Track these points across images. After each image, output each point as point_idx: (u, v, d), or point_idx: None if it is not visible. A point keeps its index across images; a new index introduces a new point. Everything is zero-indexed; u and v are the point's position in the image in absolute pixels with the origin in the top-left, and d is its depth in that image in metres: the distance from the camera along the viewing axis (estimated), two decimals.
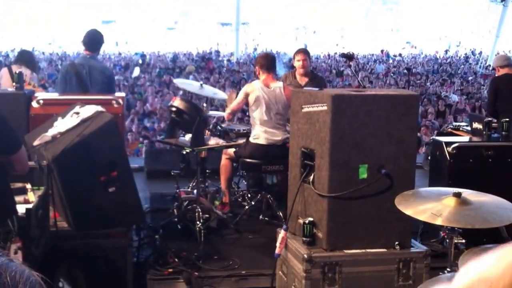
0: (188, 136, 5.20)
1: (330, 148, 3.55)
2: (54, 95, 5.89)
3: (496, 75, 7.20)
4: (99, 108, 4.04)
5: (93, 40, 5.72)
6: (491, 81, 7.62)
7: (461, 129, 5.98)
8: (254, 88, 5.63)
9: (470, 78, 21.68)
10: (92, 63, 5.65)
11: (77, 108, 4.08)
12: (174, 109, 5.13)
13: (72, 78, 5.53)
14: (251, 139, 5.66)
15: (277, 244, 3.86)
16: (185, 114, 5.07)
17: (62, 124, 3.94)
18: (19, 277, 0.81)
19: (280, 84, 5.69)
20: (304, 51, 6.86)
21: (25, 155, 3.36)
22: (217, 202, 5.85)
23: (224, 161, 5.83)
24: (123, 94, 5.83)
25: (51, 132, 3.88)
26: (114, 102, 4.75)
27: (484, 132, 5.25)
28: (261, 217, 5.72)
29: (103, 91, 5.43)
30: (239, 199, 6.21)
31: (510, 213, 2.48)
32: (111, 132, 3.95)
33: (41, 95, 5.04)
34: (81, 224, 3.88)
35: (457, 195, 2.59)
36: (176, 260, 4.60)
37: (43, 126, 4.09)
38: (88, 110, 3.99)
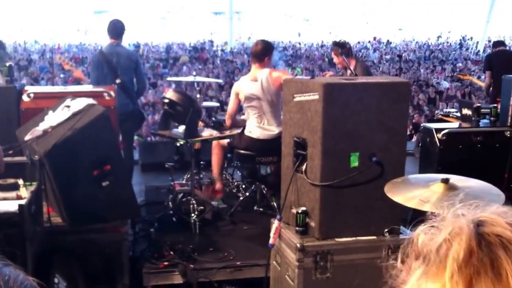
0: (181, 128, 5.20)
1: (322, 137, 3.54)
2: (44, 89, 5.91)
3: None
4: (90, 101, 4.03)
5: (116, 29, 6.20)
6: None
7: (451, 115, 6.01)
8: (242, 86, 5.63)
9: (460, 64, 21.71)
10: (118, 50, 6.13)
11: (68, 101, 4.07)
12: (167, 100, 5.12)
13: (103, 66, 5.99)
14: (246, 132, 5.66)
15: (271, 235, 3.87)
16: (178, 105, 5.07)
17: (53, 118, 3.94)
18: (13, 282, 0.79)
19: (265, 72, 5.51)
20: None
21: (1, 155, 3.34)
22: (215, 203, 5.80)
23: (215, 144, 5.80)
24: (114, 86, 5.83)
25: (42, 126, 3.88)
26: (105, 94, 4.73)
27: (473, 118, 5.28)
28: (255, 208, 5.74)
29: (132, 75, 6.08)
30: (234, 190, 6.23)
31: (497, 198, 2.50)
32: (103, 125, 3.94)
33: (31, 88, 5.02)
34: (75, 219, 3.89)
35: (445, 181, 2.60)
36: (172, 253, 4.62)
37: (34, 120, 4.08)
38: (79, 103, 3.98)
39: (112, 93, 4.70)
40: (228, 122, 5.86)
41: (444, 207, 0.73)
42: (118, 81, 5.91)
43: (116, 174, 3.95)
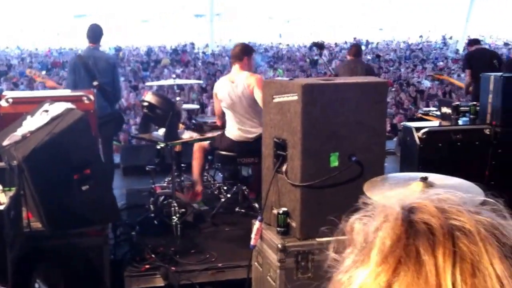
0: (161, 131, 5.18)
1: (302, 137, 3.55)
2: (23, 93, 5.86)
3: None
4: (69, 105, 4.00)
5: (95, 33, 6.32)
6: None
7: (430, 114, 6.06)
8: (220, 87, 5.64)
9: (441, 63, 21.91)
10: (96, 53, 6.24)
11: (46, 106, 4.03)
12: (146, 104, 5.10)
13: (80, 69, 6.04)
14: (226, 133, 5.66)
15: (252, 236, 3.87)
16: (157, 108, 5.05)
17: (31, 123, 3.90)
18: None
19: (243, 75, 5.50)
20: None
21: None
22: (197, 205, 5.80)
23: (196, 146, 5.79)
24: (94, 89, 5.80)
25: (21, 131, 3.84)
26: (85, 98, 4.69)
27: (453, 116, 5.33)
28: (237, 209, 5.74)
29: (110, 78, 6.14)
30: (215, 192, 6.21)
31: (475, 196, 2.52)
32: (82, 129, 3.92)
33: (10, 93, 4.97)
34: (56, 224, 3.85)
35: (424, 179, 2.63)
36: (153, 256, 4.60)
37: (12, 125, 4.04)
38: (58, 108, 3.95)
39: (91, 97, 4.67)
40: (218, 122, 5.89)
41: (379, 195, 0.72)
42: (95, 83, 5.91)
43: (96, 178, 3.92)
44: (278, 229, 3.71)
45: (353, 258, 0.67)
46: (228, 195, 5.83)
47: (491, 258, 0.61)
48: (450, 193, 0.70)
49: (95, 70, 6.04)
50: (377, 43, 30.14)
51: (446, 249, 0.61)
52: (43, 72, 7.39)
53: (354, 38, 31.38)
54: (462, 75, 17.27)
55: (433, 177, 2.71)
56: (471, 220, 0.64)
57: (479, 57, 8.12)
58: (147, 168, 5.85)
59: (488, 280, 0.60)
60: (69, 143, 3.82)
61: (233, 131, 5.59)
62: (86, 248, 4.21)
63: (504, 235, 0.65)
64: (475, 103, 5.39)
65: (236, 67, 5.61)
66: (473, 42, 8.81)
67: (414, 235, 0.63)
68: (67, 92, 5.20)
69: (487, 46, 26.96)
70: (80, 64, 6.05)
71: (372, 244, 0.65)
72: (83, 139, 3.91)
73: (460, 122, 5.35)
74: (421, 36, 33.89)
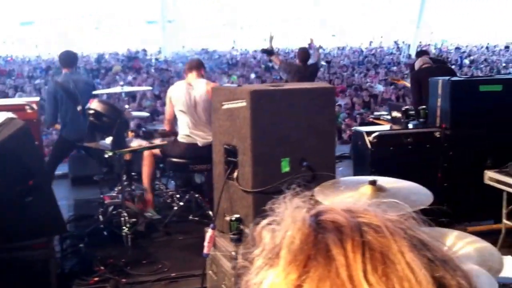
0: (109, 139, 5.06)
1: (251, 143, 3.55)
2: None
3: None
4: (10, 114, 3.85)
5: (70, 58, 6.34)
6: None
7: (381, 118, 6.12)
8: (176, 90, 5.59)
9: (394, 68, 22.30)
10: (74, 77, 6.17)
11: None
12: (92, 112, 4.99)
13: (62, 95, 5.96)
14: (178, 138, 5.60)
15: (205, 244, 3.81)
16: (104, 116, 4.94)
17: None
18: None
19: (203, 82, 5.62)
20: None
21: None
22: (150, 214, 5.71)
23: (146, 154, 5.71)
24: (37, 98, 5.63)
25: None
26: (27, 107, 4.54)
27: (403, 120, 5.39)
28: (191, 217, 5.66)
29: (91, 97, 5.75)
30: (168, 200, 6.11)
31: (424, 198, 2.52)
32: (24, 139, 3.78)
33: None
34: None
35: (373, 183, 2.61)
36: (102, 267, 4.50)
37: None
38: None
39: (35, 106, 4.52)
40: (167, 128, 5.85)
41: (284, 201, 0.72)
42: (79, 108, 5.78)
43: (40, 189, 3.80)
44: (232, 236, 3.65)
45: (262, 260, 0.66)
46: (181, 203, 5.74)
47: (400, 247, 0.61)
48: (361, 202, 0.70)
49: (77, 93, 5.94)
50: (330, 50, 30.48)
51: (354, 241, 0.61)
52: None
53: (309, 44, 31.67)
54: None
55: (382, 180, 2.70)
56: (378, 217, 0.65)
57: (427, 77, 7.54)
58: (95, 178, 5.70)
59: (399, 267, 0.60)
60: (11, 154, 3.68)
61: (186, 135, 5.53)
62: (31, 261, 4.07)
63: (412, 230, 0.65)
64: (424, 107, 5.46)
65: (193, 75, 5.64)
66: (421, 53, 8.32)
67: (322, 232, 0.63)
68: (8, 101, 5.03)
69: (437, 51, 27.70)
70: (61, 90, 5.95)
71: (281, 244, 0.65)
72: (25, 149, 3.78)
73: (410, 125, 5.41)
74: (371, 42, 34.45)
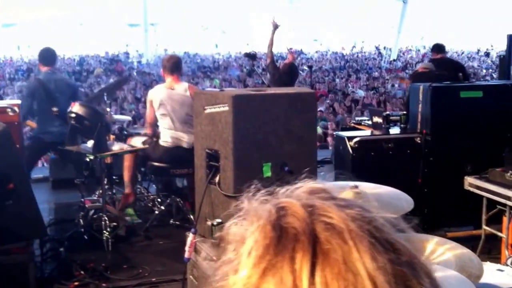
0: (90, 143, 5.03)
1: (233, 148, 3.53)
2: None
3: None
4: None
5: (50, 56, 6.17)
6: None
7: (362, 123, 6.15)
8: (157, 93, 5.57)
9: (375, 73, 22.44)
10: (56, 77, 6.07)
11: None
12: (73, 115, 4.95)
13: (40, 93, 5.78)
14: (160, 141, 5.57)
15: (186, 248, 3.80)
16: (85, 120, 4.91)
17: None
18: None
19: (185, 85, 5.62)
20: None
21: None
22: (130, 210, 5.69)
23: (126, 156, 5.65)
24: (18, 101, 5.57)
25: None
26: (9, 110, 4.53)
27: (383, 126, 5.43)
28: (172, 221, 5.63)
29: (71, 100, 5.63)
30: (149, 204, 6.08)
31: (405, 203, 2.54)
32: (4, 142, 3.75)
33: None
34: None
35: (354, 188, 2.63)
36: (83, 272, 4.46)
37: None
38: None
39: (16, 109, 4.50)
40: (148, 131, 5.80)
41: (249, 197, 0.72)
42: (55, 109, 5.68)
43: (19, 193, 3.78)
44: (213, 241, 3.64)
45: (228, 260, 0.67)
46: (162, 207, 5.72)
47: (361, 255, 0.60)
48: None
49: (56, 94, 5.80)
50: (311, 55, 30.57)
51: (305, 251, 0.60)
52: None
53: (290, 49, 31.76)
54: (396, 84, 17.77)
55: (363, 185, 2.72)
56: (340, 216, 0.63)
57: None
58: (76, 181, 5.65)
59: (359, 279, 0.59)
60: None
61: (167, 137, 5.51)
62: (10, 265, 4.01)
63: (380, 231, 0.63)
64: (405, 112, 5.51)
65: (174, 77, 5.60)
66: (437, 49, 7.89)
67: (282, 235, 0.62)
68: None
69: (420, 55, 27.87)
70: (41, 88, 5.79)
71: (244, 245, 0.65)
72: (5, 152, 3.75)
73: (391, 131, 5.45)
74: (354, 47, 34.65)
